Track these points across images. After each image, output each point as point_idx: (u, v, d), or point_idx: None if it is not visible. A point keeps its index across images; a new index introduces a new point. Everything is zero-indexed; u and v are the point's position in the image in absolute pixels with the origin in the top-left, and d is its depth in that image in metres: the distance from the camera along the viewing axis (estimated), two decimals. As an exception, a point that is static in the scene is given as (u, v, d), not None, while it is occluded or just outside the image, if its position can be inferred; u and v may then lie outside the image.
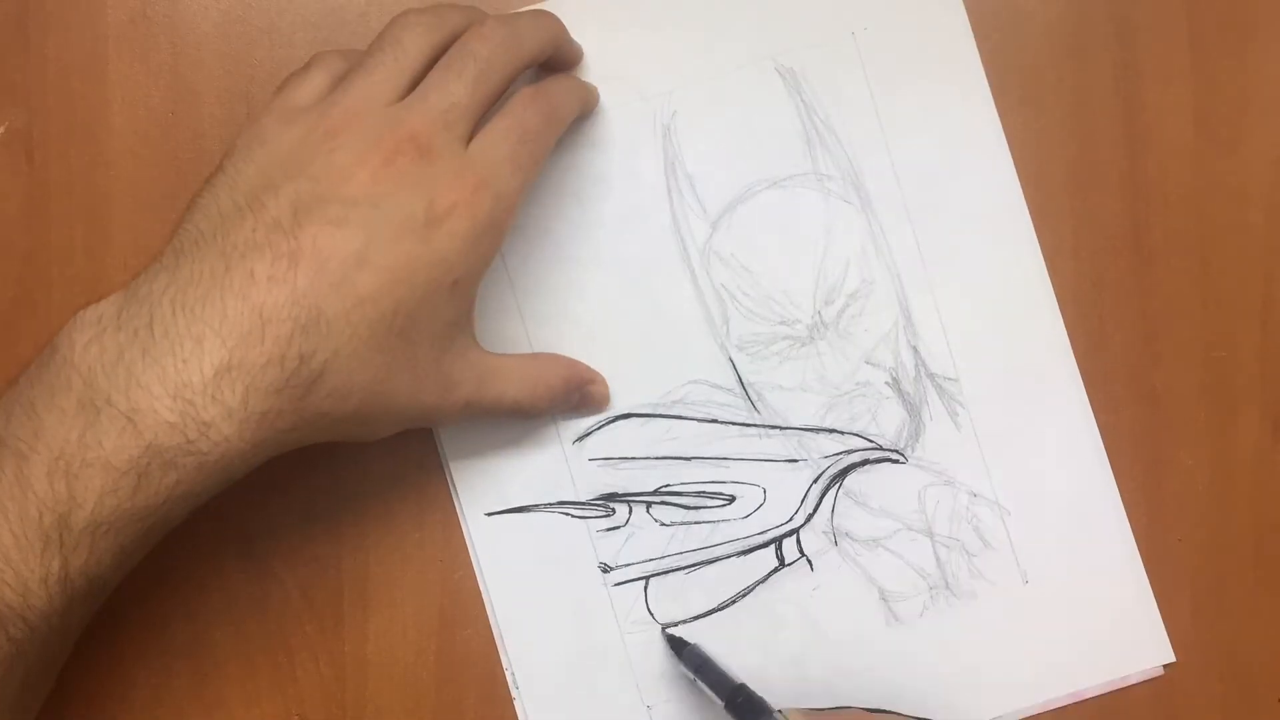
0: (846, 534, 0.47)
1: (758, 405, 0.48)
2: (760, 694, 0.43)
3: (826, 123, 0.48)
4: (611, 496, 0.47)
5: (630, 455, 0.47)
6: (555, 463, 0.47)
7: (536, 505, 0.47)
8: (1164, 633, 0.47)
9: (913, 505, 0.47)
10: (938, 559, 0.47)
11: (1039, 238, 0.48)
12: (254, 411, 0.37)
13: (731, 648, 0.47)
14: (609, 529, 0.47)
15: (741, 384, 0.48)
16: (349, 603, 0.47)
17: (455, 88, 0.41)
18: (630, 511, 0.47)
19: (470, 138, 0.41)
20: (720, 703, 0.44)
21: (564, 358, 0.47)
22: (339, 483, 0.47)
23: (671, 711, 0.47)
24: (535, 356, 0.47)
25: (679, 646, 0.46)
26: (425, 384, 0.41)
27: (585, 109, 0.47)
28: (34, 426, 0.36)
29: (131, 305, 0.37)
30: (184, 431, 0.36)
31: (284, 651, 0.44)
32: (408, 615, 0.47)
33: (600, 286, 0.47)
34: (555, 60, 0.46)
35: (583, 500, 0.47)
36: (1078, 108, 0.48)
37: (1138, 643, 0.47)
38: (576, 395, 0.46)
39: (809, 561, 0.47)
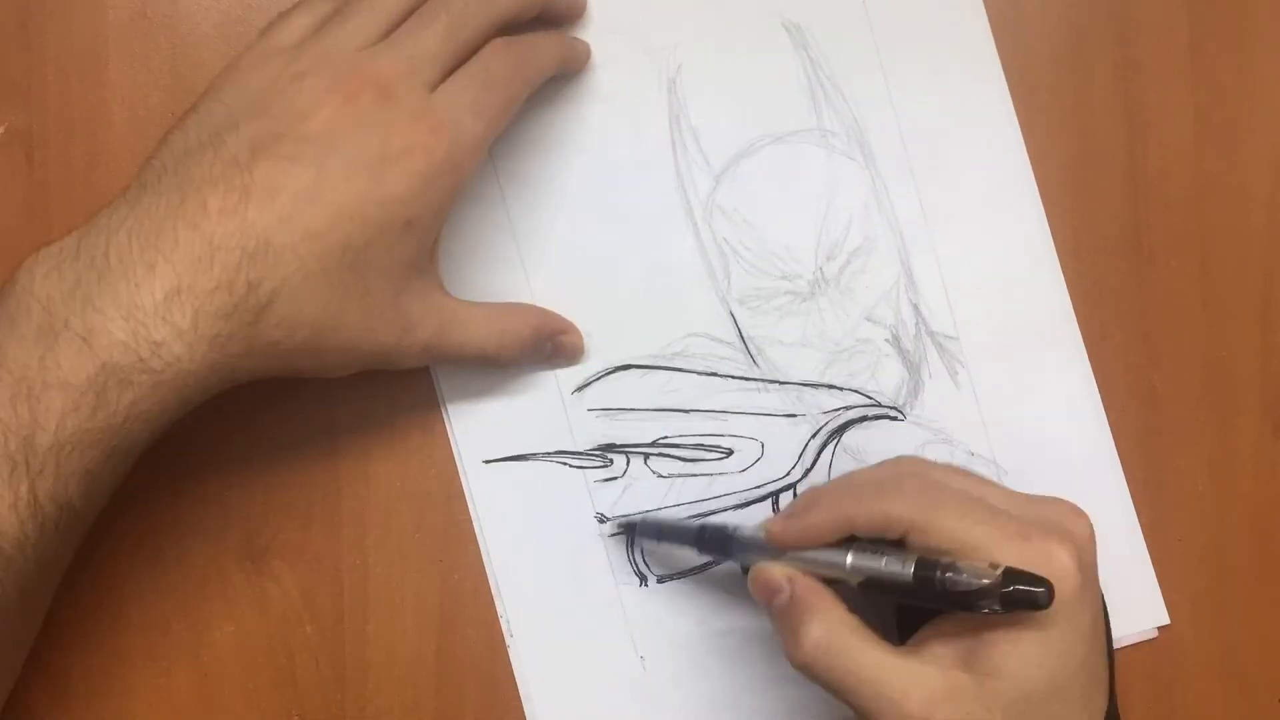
0: (843, 489, 0.47)
1: (757, 359, 0.48)
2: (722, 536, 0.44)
3: (832, 79, 0.47)
4: (609, 447, 0.47)
5: (629, 406, 0.47)
6: (554, 412, 0.47)
7: (534, 454, 0.47)
8: (1159, 593, 0.48)
9: (912, 462, 0.47)
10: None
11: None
12: (204, 334, 0.37)
13: (726, 602, 0.47)
14: (606, 479, 0.47)
15: (742, 338, 0.47)
16: (349, 603, 0.46)
17: (425, 35, 0.41)
18: (628, 462, 0.47)
19: (438, 86, 0.41)
20: (694, 550, 0.44)
21: (535, 307, 0.46)
22: (339, 481, 0.46)
23: (665, 662, 0.47)
24: (506, 305, 0.46)
25: (630, 530, 0.46)
26: (380, 322, 0.41)
27: (566, 66, 0.46)
28: None
29: (90, 236, 0.38)
30: (136, 351, 0.37)
31: (284, 652, 0.43)
32: (408, 615, 0.47)
33: (603, 237, 0.47)
34: (547, 16, 0.45)
35: (581, 450, 0.47)
36: (1078, 108, 0.48)
37: (1130, 602, 0.48)
38: (549, 345, 0.46)
39: (806, 516, 0.47)
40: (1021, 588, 0.36)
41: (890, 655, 0.39)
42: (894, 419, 0.48)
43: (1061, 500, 0.41)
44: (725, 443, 0.47)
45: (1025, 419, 0.48)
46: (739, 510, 0.47)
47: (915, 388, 0.48)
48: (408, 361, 0.43)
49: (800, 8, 0.47)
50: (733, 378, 0.47)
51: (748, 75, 0.47)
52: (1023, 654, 0.38)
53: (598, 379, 0.47)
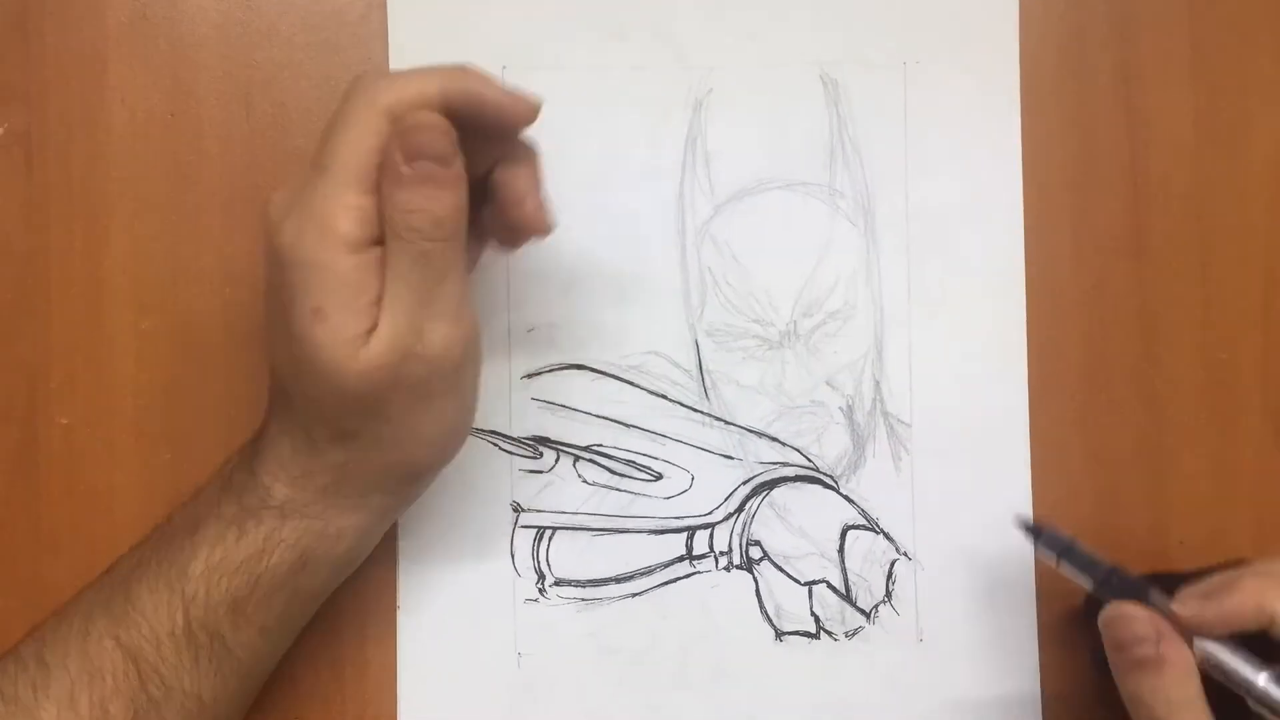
0: (759, 543, 0.47)
1: (710, 394, 0.47)
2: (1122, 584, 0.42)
3: (854, 142, 0.48)
4: (543, 440, 0.47)
5: (573, 406, 0.47)
6: (498, 391, 0.47)
7: (469, 427, 0.47)
8: (1041, 726, 0.47)
9: (832, 534, 0.47)
10: (840, 592, 0.47)
11: (1039, 239, 0.48)
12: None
13: (619, 621, 0.47)
14: (532, 471, 0.47)
15: (700, 368, 0.47)
16: (348, 603, 0.46)
17: None
18: (557, 460, 0.47)
19: None
20: (1090, 585, 0.42)
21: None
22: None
23: (542, 665, 0.47)
24: None
25: (1036, 532, 0.44)
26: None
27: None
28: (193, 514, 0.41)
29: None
30: (258, 494, 0.40)
31: (282, 654, 0.44)
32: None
33: (591, 235, 0.47)
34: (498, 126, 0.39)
35: (514, 436, 0.47)
36: (1078, 108, 0.48)
37: (1012, 728, 0.47)
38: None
39: (715, 558, 0.47)
40: None
41: None
42: (828, 487, 0.47)
43: None
44: (657, 466, 0.47)
45: (956, 520, 0.47)
46: (654, 536, 0.47)
47: (856, 462, 0.47)
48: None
49: (843, 66, 0.47)
50: (681, 405, 0.47)
51: (774, 116, 0.48)
52: None
53: (549, 371, 0.47)
